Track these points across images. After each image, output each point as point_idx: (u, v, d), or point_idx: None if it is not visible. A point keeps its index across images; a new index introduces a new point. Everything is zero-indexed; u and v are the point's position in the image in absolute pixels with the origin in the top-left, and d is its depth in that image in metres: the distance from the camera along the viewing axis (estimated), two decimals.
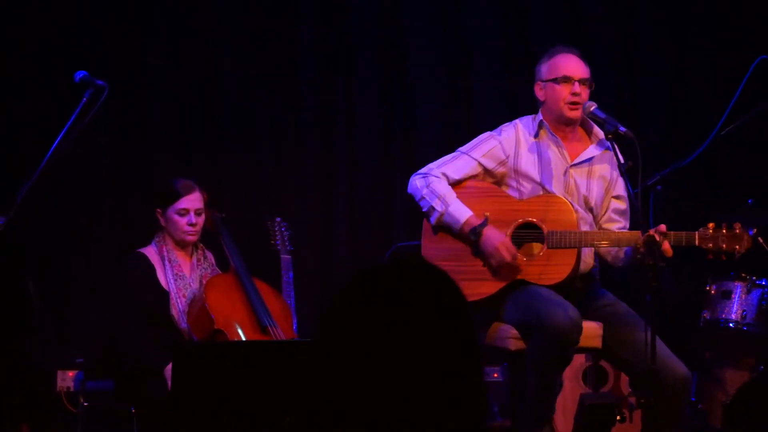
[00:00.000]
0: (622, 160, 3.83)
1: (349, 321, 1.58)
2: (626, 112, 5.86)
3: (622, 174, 3.85)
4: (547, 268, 3.92)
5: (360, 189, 5.88)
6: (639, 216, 3.70)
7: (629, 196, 3.93)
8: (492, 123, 4.26)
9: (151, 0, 5.71)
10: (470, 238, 3.96)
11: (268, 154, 5.83)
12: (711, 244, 3.77)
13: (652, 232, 3.64)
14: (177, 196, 4.49)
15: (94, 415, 4.65)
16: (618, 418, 4.18)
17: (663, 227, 3.73)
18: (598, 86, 4.10)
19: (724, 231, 3.78)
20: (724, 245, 3.76)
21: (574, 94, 4.00)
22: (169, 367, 4.13)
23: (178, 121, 5.76)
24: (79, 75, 3.99)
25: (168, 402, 3.98)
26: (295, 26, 5.84)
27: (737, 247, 3.77)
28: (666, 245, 3.70)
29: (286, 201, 5.77)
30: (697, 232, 3.78)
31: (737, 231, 3.78)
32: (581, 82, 4.02)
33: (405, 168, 5.69)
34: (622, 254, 4.01)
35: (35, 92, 5.58)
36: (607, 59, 5.91)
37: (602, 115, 3.92)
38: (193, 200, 4.50)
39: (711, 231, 3.78)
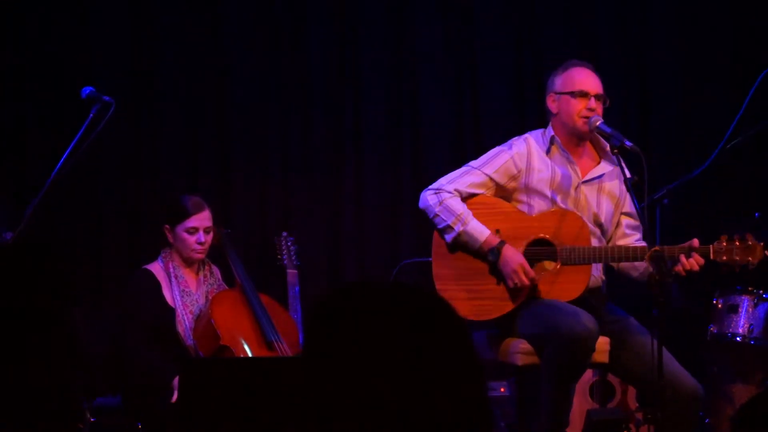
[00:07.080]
0: (628, 175, 3.83)
1: (335, 333, 1.54)
2: (634, 126, 5.86)
3: (628, 189, 3.83)
4: (561, 285, 3.91)
5: (367, 203, 5.87)
6: (646, 230, 3.70)
7: (636, 211, 3.91)
8: (500, 136, 4.26)
9: (161, 13, 5.72)
10: (488, 257, 3.95)
11: (275, 169, 5.82)
12: (725, 257, 3.74)
13: (658, 247, 3.63)
14: (187, 215, 4.46)
15: (101, 430, 4.64)
16: None
17: (696, 242, 3.73)
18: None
19: (737, 243, 3.75)
20: (738, 258, 3.74)
21: (590, 109, 3.99)
22: (176, 382, 4.12)
23: (187, 135, 5.75)
24: (86, 91, 3.99)
25: (174, 418, 3.99)
26: (306, 39, 5.84)
27: (750, 258, 3.74)
28: (697, 257, 3.71)
29: (293, 215, 5.77)
30: (711, 246, 3.75)
31: (750, 243, 3.75)
32: (597, 97, 4.02)
33: (412, 183, 5.69)
34: (639, 266, 3.99)
35: (44, 107, 5.58)
36: (615, 71, 5.90)
37: (608, 130, 3.91)
38: (202, 219, 4.48)
39: (725, 244, 3.75)
